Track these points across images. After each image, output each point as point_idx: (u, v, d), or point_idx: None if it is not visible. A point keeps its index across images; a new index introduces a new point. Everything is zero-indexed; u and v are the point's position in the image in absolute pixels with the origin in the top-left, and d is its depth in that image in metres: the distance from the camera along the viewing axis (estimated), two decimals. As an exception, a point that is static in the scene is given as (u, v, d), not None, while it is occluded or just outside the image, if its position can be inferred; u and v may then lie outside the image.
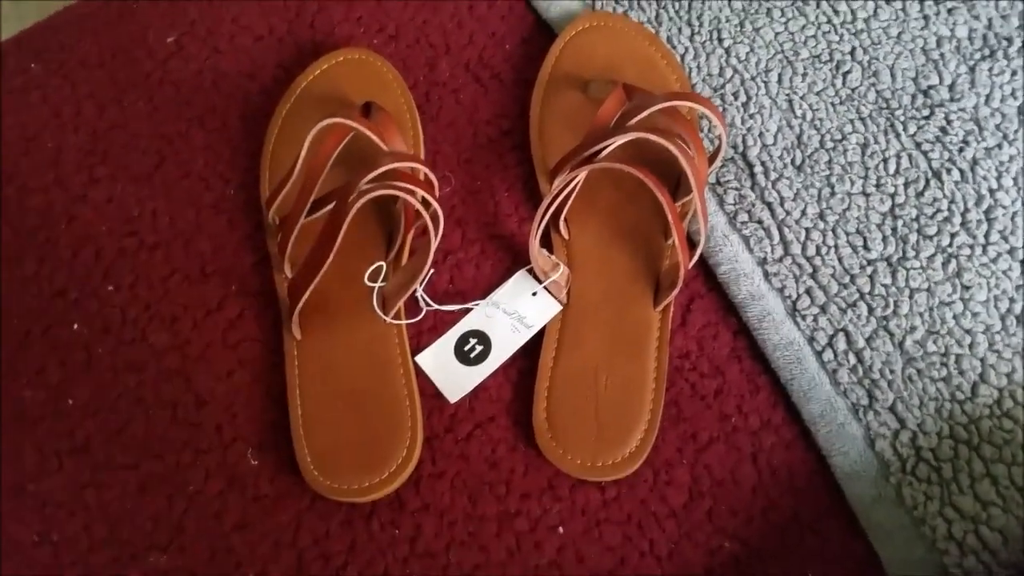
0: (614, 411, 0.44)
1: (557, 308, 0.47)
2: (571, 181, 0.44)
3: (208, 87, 0.53)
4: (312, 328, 0.46)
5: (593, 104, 0.49)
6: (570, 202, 0.46)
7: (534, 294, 0.47)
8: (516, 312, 0.47)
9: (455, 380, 0.46)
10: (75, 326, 0.47)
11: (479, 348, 0.47)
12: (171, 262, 0.49)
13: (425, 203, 0.43)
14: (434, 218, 0.43)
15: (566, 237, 0.48)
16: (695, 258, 0.45)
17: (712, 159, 0.46)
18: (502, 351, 0.46)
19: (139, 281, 0.48)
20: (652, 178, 0.41)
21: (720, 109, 0.49)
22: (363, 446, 0.44)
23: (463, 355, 0.47)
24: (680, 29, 0.51)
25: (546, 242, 0.48)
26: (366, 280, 0.46)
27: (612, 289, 0.46)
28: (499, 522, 0.44)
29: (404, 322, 0.47)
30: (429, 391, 0.46)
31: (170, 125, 0.52)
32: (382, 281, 0.47)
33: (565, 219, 0.47)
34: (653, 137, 0.41)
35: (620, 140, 0.42)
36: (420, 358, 0.46)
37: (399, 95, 0.51)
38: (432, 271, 0.48)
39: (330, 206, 0.46)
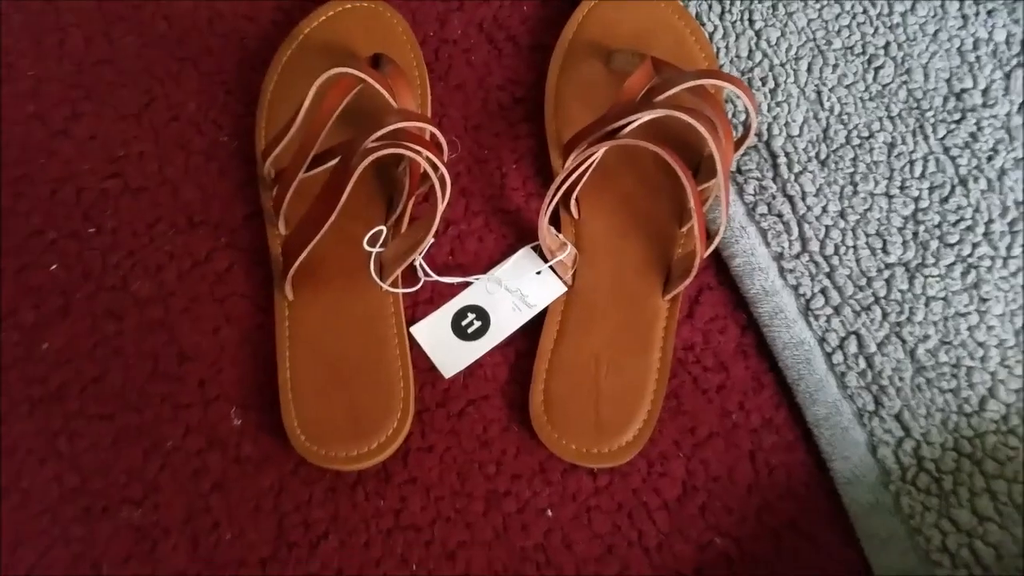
0: (614, 399, 0.45)
1: (562, 289, 0.47)
2: (588, 157, 0.43)
3: (203, 26, 0.52)
4: (305, 290, 0.46)
5: (615, 77, 0.48)
6: (584, 180, 0.46)
7: (538, 273, 0.47)
8: (518, 290, 0.47)
9: (450, 355, 0.46)
10: (52, 267, 0.47)
11: (477, 324, 0.47)
12: (157, 208, 0.48)
13: (432, 166, 0.42)
14: (442, 182, 0.43)
15: (576, 217, 0.48)
16: (712, 247, 0.45)
17: (739, 144, 0.46)
18: (501, 329, 0.46)
19: (122, 226, 0.47)
20: (677, 159, 0.41)
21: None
22: (352, 414, 0.44)
23: (460, 330, 0.46)
24: (710, 6, 0.51)
25: (554, 220, 0.48)
26: (365, 244, 0.46)
27: (620, 274, 0.47)
28: (487, 501, 0.44)
29: (401, 291, 0.46)
30: (423, 364, 0.46)
31: (161, 64, 0.51)
32: (380, 246, 0.46)
33: (576, 198, 0.47)
34: (683, 115, 0.40)
35: (647, 116, 0.41)
36: (415, 329, 0.46)
37: (408, 50, 0.51)
38: (432, 240, 0.48)
39: (332, 162, 0.45)
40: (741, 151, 0.45)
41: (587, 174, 0.45)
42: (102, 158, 0.49)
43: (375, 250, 0.46)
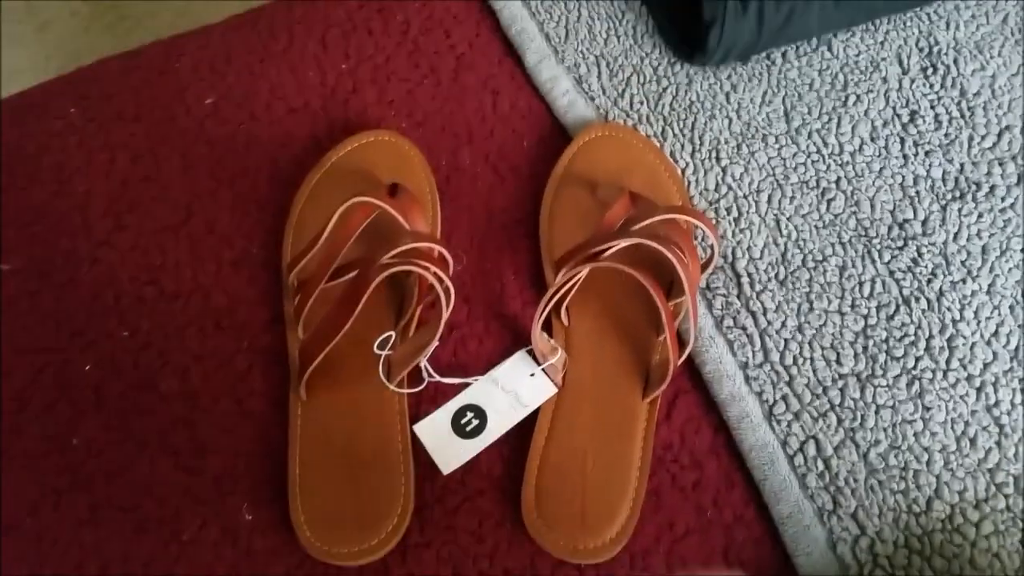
0: (599, 495, 0.49)
1: (553, 391, 0.52)
2: (575, 276, 0.50)
3: (240, 150, 0.59)
4: (318, 390, 0.51)
5: (599, 205, 0.56)
6: (572, 293, 0.52)
7: (532, 375, 0.53)
8: (514, 391, 0.53)
9: (450, 452, 0.51)
10: (87, 367, 0.52)
11: (475, 422, 0.52)
12: (188, 313, 0.54)
13: (438, 279, 0.49)
14: (446, 293, 0.49)
15: (566, 324, 0.54)
16: (684, 355, 0.51)
17: (705, 267, 0.53)
18: (497, 427, 0.52)
19: (155, 329, 0.53)
20: (650, 279, 0.48)
21: (714, 222, 0.57)
22: (357, 510, 0.48)
23: (459, 428, 0.52)
24: (683, 145, 0.59)
25: (547, 326, 0.54)
26: (375, 348, 0.52)
27: (605, 378, 0.52)
28: (481, 594, 0.48)
29: (407, 391, 0.52)
30: (423, 460, 0.51)
31: (201, 182, 0.58)
32: (389, 350, 0.52)
33: (567, 308, 0.53)
34: (653, 244, 0.48)
35: (623, 243, 0.49)
36: (418, 427, 0.51)
37: (423, 177, 0.58)
38: (438, 343, 0.53)
39: (351, 275, 0.52)
40: (707, 273, 0.52)
41: (574, 289, 0.52)
42: (141, 266, 0.55)
43: (384, 353, 0.52)
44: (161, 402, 0.51)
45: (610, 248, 0.50)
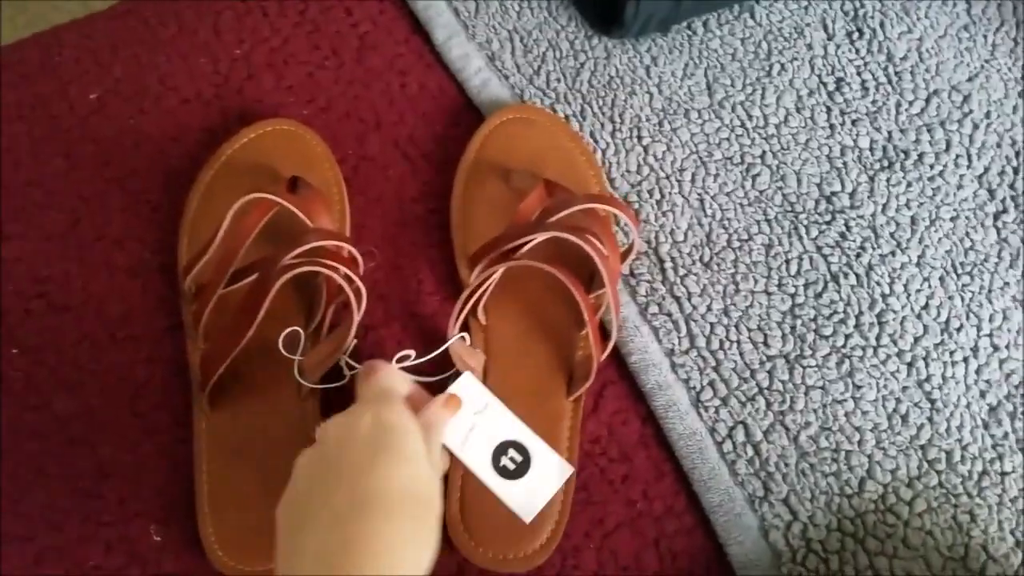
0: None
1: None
2: (490, 275, 0.49)
3: (129, 147, 0.56)
4: (224, 400, 0.49)
5: (514, 193, 0.54)
6: (488, 292, 0.51)
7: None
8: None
9: None
10: (-28, 390, 0.50)
11: None
12: (81, 327, 0.51)
13: (348, 280, 0.47)
14: (357, 295, 0.48)
15: (484, 324, 0.53)
16: (607, 351, 0.50)
17: (624, 256, 0.52)
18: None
19: (46, 345, 0.51)
20: (568, 275, 0.47)
21: (636, 205, 0.56)
22: (271, 527, 0.47)
23: None
24: (603, 124, 0.58)
25: (465, 327, 0.52)
26: (280, 347, 0.49)
27: (527, 378, 0.51)
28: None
29: (324, 386, 0.49)
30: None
31: (88, 185, 0.55)
32: (301, 355, 0.50)
33: (484, 307, 0.52)
34: (570, 237, 0.47)
35: (540, 237, 0.48)
36: None
37: (327, 168, 0.56)
38: (355, 342, 0.52)
39: (251, 279, 0.50)
40: (628, 262, 0.51)
41: (489, 288, 0.50)
42: (28, 279, 0.52)
43: (296, 357, 0.50)
44: (55, 423, 0.49)
45: (526, 243, 0.49)
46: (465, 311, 0.49)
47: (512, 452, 0.48)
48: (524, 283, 0.53)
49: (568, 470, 0.48)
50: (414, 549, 0.37)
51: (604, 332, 0.52)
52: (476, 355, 0.51)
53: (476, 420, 0.48)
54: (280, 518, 0.39)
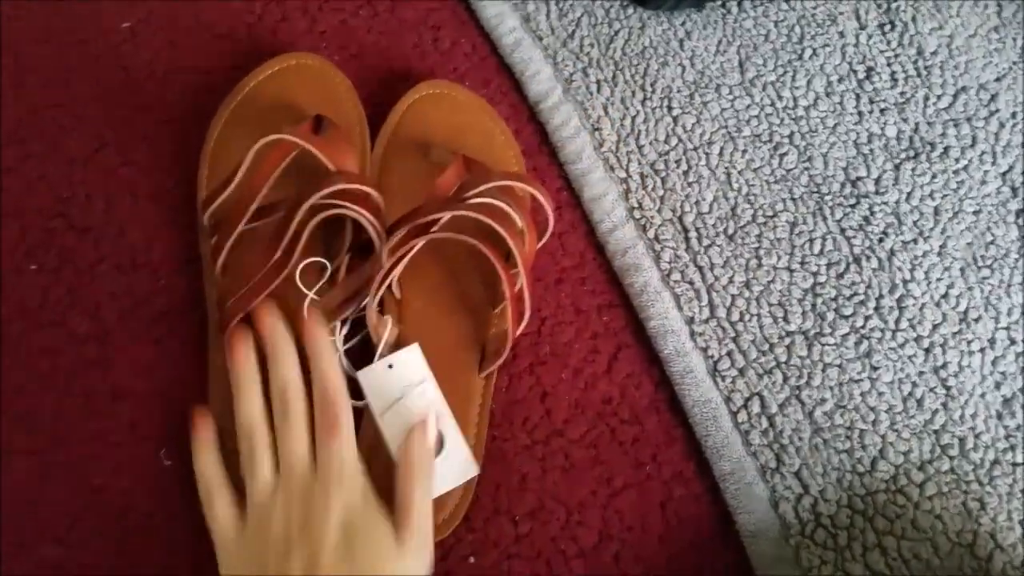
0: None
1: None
2: (406, 248, 0.49)
3: (160, 78, 0.58)
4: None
5: (432, 167, 0.55)
6: (402, 265, 0.51)
7: (390, 366, 0.50)
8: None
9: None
10: (-13, 301, 0.51)
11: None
12: (100, 249, 0.53)
13: (371, 225, 0.49)
14: (380, 237, 0.49)
15: (398, 297, 0.53)
16: (521, 327, 0.50)
17: (540, 236, 0.52)
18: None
19: (65, 264, 0.52)
20: (490, 247, 0.47)
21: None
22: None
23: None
24: (634, 92, 0.60)
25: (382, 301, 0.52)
26: (299, 283, 0.49)
27: (438, 352, 0.51)
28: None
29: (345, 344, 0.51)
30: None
31: (115, 112, 0.56)
32: (316, 294, 0.51)
33: (399, 281, 0.52)
34: (483, 217, 0.47)
35: (455, 213, 0.48)
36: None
37: (351, 108, 0.56)
38: (380, 293, 0.52)
39: (274, 217, 0.51)
40: (543, 242, 0.52)
41: (403, 262, 0.51)
42: (49, 198, 0.53)
43: (311, 295, 0.51)
44: (71, 342, 0.51)
45: (441, 218, 0.49)
46: (384, 286, 0.50)
47: None
48: (438, 260, 0.54)
49: (473, 471, 0.48)
50: None
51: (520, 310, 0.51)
52: (387, 325, 0.51)
53: (407, 391, 0.49)
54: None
